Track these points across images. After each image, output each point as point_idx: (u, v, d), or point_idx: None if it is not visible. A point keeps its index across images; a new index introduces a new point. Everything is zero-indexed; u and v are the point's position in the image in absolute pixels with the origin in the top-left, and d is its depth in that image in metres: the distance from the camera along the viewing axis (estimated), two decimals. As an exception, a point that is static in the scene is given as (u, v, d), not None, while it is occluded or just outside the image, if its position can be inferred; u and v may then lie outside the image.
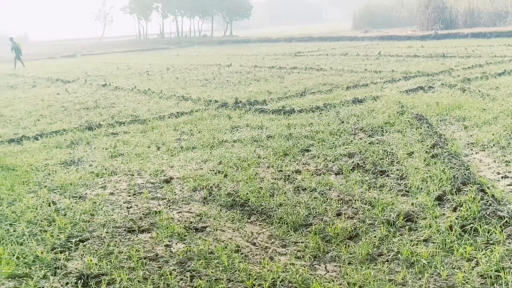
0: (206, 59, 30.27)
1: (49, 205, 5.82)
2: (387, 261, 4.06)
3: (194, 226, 4.99)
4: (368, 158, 6.87)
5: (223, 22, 75.51)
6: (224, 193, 5.84)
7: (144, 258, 4.33)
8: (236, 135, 8.85)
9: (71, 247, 4.66)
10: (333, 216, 4.99)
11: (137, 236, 4.85)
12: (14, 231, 5.07)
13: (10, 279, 3.98)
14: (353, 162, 6.70)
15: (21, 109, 13.77)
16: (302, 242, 4.48)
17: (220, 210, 5.42)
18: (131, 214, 5.47)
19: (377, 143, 7.61)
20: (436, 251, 4.10)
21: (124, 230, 5.02)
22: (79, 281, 3.99)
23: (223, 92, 14.74)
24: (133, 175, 6.94)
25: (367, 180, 6.00)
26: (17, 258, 4.41)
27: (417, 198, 5.28)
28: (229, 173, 6.62)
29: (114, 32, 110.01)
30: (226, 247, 4.43)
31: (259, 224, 4.98)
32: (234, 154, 7.59)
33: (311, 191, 5.79)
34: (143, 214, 5.45)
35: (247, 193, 5.77)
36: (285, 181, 6.21)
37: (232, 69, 22.13)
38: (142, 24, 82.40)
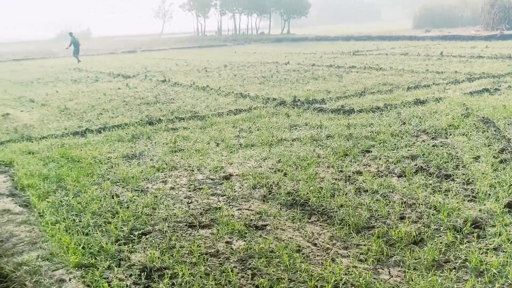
0: (263, 57, 30.32)
1: (112, 198, 5.96)
2: (454, 268, 3.93)
3: (254, 224, 4.99)
4: (431, 161, 6.69)
5: (280, 20, 75.50)
6: (284, 192, 5.82)
7: (205, 254, 4.36)
8: (295, 134, 8.81)
9: (134, 239, 4.75)
10: (396, 220, 4.89)
11: (198, 232, 4.89)
12: (80, 221, 5.22)
13: (77, 268, 4.09)
14: (416, 165, 6.55)
15: (84, 102, 14.17)
16: (364, 245, 4.41)
17: (280, 208, 5.40)
18: (192, 209, 5.53)
19: (441, 146, 7.40)
20: (507, 261, 3.95)
21: (185, 225, 5.07)
22: (143, 273, 4.06)
23: (281, 90, 14.72)
24: (193, 170, 7.01)
25: (431, 184, 5.84)
26: (83, 248, 4.53)
27: (485, 205, 5.10)
28: (288, 172, 6.60)
29: (173, 28, 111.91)
30: (287, 246, 4.41)
31: (320, 225, 4.93)
32: (293, 152, 7.55)
33: (372, 193, 5.69)
34: (203, 209, 5.49)
35: (307, 193, 5.72)
36: (345, 182, 6.13)
37: (290, 67, 22.07)
38: (200, 21, 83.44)
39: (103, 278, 3.99)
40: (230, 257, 4.30)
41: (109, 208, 5.59)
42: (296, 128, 9.29)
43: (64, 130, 10.22)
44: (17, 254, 4.09)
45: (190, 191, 6.16)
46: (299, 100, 12.33)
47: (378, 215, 5.04)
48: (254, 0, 72.40)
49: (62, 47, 54.47)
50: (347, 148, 7.62)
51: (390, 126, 8.89)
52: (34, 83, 20.96)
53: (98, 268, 4.14)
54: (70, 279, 3.70)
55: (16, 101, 15.18)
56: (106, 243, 4.60)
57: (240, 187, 6.20)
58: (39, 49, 59.14)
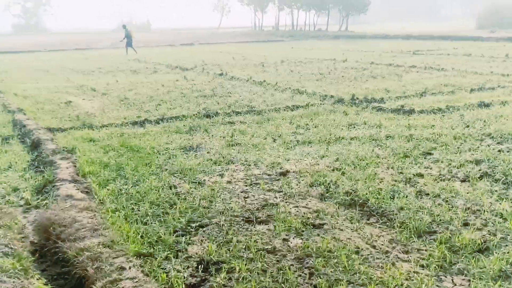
0: (320, 53, 30.08)
1: (170, 188, 6.02)
2: (522, 280, 3.76)
3: (311, 222, 4.93)
4: (497, 166, 6.44)
5: (338, 17, 74.73)
6: (342, 191, 5.73)
7: (262, 250, 4.34)
8: (353, 132, 8.68)
9: (191, 231, 4.78)
10: (460, 226, 4.72)
11: (254, 227, 4.87)
12: (139, 210, 5.30)
13: (136, 257, 4.15)
14: (480, 170, 6.32)
15: (143, 93, 14.42)
16: (426, 250, 4.27)
17: (338, 208, 5.32)
18: (248, 204, 5.52)
19: (507, 152, 7.12)
20: None
21: (242, 219, 5.07)
22: (200, 266, 4.07)
23: (338, 87, 14.55)
24: (249, 165, 7.01)
25: (496, 191, 5.62)
26: (141, 237, 4.59)
27: (556, 215, 4.87)
28: (346, 171, 6.50)
29: (230, 22, 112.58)
30: (345, 247, 4.33)
31: (379, 227, 4.82)
32: (351, 151, 7.44)
33: (434, 197, 5.53)
34: (260, 205, 5.47)
35: (366, 193, 5.62)
36: (405, 184, 5.98)
37: (348, 65, 21.80)
38: (258, 16, 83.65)
39: (161, 268, 4.03)
40: (287, 254, 4.26)
41: (167, 199, 5.65)
42: (354, 127, 9.15)
43: (124, 119, 10.42)
44: (80, 240, 4.18)
45: (246, 186, 6.15)
46: (357, 98, 12.15)
47: (440, 220, 4.88)
48: (313, -4, 72.03)
49: (121, 37, 55.77)
50: (407, 149, 7.44)
51: (453, 129, 8.62)
52: (95, 72, 21.51)
53: (156, 258, 4.18)
54: (130, 268, 3.75)
55: (78, 89, 15.61)
56: (164, 234, 4.65)
57: (297, 184, 6.15)
58: (100, 39, 60.63)
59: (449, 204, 5.29)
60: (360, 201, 5.43)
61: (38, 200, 5.76)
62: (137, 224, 4.91)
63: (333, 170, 6.62)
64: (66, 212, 4.84)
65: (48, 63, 27.19)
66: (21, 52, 39.60)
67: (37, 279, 3.74)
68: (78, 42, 52.69)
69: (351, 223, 4.92)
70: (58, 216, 4.73)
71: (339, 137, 8.40)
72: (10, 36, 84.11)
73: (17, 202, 5.75)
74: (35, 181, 6.45)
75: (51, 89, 15.75)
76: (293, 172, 6.64)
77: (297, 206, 5.42)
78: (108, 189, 5.97)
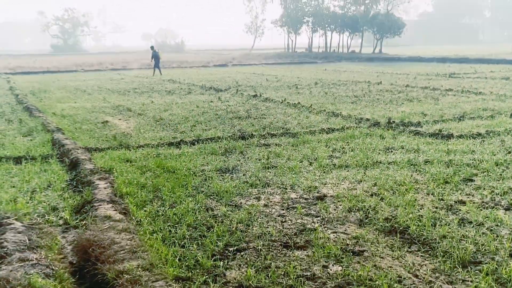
0: (354, 76, 29.98)
1: (207, 211, 6.02)
2: None
3: (351, 249, 4.85)
4: (543, 195, 6.26)
5: (372, 39, 74.53)
6: (382, 218, 5.63)
7: (301, 277, 4.27)
8: (390, 157, 8.56)
9: (229, 255, 4.75)
10: (507, 257, 4.57)
11: (293, 252, 4.82)
12: (176, 233, 5.30)
13: (175, 280, 4.13)
14: (525, 198, 6.14)
15: (178, 114, 14.55)
16: (471, 281, 4.15)
17: (378, 235, 5.22)
18: (286, 228, 5.47)
19: (552, 179, 6.92)
20: None
21: (280, 244, 5.02)
22: (238, 291, 4.03)
23: (374, 110, 14.44)
24: (286, 188, 6.97)
25: (543, 220, 5.44)
26: (179, 260, 4.58)
27: None
28: (385, 197, 6.39)
29: (264, 43, 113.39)
30: (386, 275, 4.23)
31: (421, 255, 4.71)
32: (389, 176, 7.33)
33: (478, 225, 5.38)
34: (297, 230, 5.42)
35: (406, 220, 5.51)
36: (447, 211, 5.84)
37: (382, 87, 21.65)
38: (291, 38, 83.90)
39: (199, 292, 4.01)
40: (327, 282, 4.19)
41: (204, 222, 5.64)
42: (391, 151, 9.03)
43: (160, 140, 10.52)
44: (119, 262, 4.19)
45: (283, 210, 6.11)
46: (393, 121, 12.03)
47: (485, 249, 4.74)
48: (348, 18, 71.99)
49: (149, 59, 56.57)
50: (447, 175, 7.30)
51: (494, 155, 8.44)
52: (130, 92, 21.84)
53: (195, 282, 4.16)
54: (169, 292, 3.73)
55: (114, 109, 15.86)
56: (202, 257, 4.63)
57: (334, 209, 6.07)
58: (135, 58, 61.58)
59: (493, 233, 5.14)
60: (401, 228, 5.33)
61: (77, 220, 5.82)
62: (174, 246, 4.91)
63: (371, 195, 6.53)
64: (104, 233, 4.86)
65: (85, 83, 27.75)
66: (60, 72, 40.55)
67: (78, 302, 3.75)
68: (113, 62, 53.64)
69: (392, 250, 4.82)
70: (97, 237, 4.75)
71: (376, 161, 8.29)
72: (49, 56, 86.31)
73: (56, 222, 5.83)
74: (74, 201, 6.53)
75: (88, 109, 16.04)
76: (331, 196, 6.57)
77: (335, 232, 5.35)
78: (145, 210, 6.00)
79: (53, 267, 4.05)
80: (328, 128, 11.45)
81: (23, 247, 4.33)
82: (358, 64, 46.63)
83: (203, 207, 6.14)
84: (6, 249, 4.23)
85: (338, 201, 6.34)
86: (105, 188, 6.67)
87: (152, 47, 36.22)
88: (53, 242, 4.80)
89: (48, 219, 5.87)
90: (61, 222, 5.86)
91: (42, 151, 9.49)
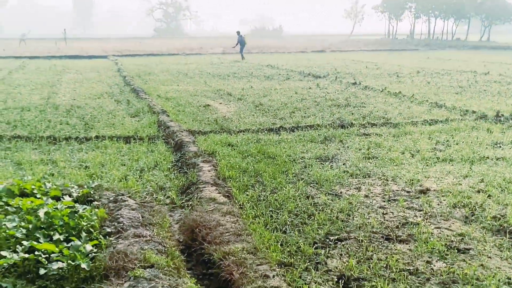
0: (459, 65, 28.77)
1: (307, 198, 6.09)
2: None
3: (455, 246, 4.74)
4: None
5: (480, 26, 71.02)
6: (490, 216, 5.44)
7: (404, 271, 4.24)
8: (499, 152, 8.21)
9: (330, 244, 4.80)
10: None
11: (394, 246, 4.78)
12: (278, 218, 5.41)
13: (278, 265, 4.25)
14: None
15: (277, 100, 14.69)
16: None
17: (485, 233, 5.06)
18: (387, 221, 5.43)
19: None
20: None
21: (381, 236, 5.00)
22: (340, 280, 4.07)
23: (480, 102, 13.84)
24: (387, 180, 6.89)
25: None
26: (281, 245, 4.69)
27: None
28: (493, 194, 6.16)
29: (363, 29, 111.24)
30: (495, 276, 4.11)
31: (532, 258, 4.52)
32: (498, 173, 7.04)
33: None
34: (399, 223, 5.36)
35: (516, 220, 5.29)
36: (561, 213, 5.54)
37: (490, 78, 20.63)
38: (392, 24, 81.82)
39: (301, 279, 4.09)
40: (430, 278, 4.13)
41: (304, 209, 5.72)
42: (500, 146, 8.65)
43: (259, 125, 10.70)
44: (224, 244, 4.37)
45: (384, 202, 6.06)
46: (502, 115, 11.47)
47: None
48: (453, 4, 68.89)
49: (253, 44, 57.29)
50: (562, 174, 6.90)
51: None
52: (230, 77, 22.28)
53: (297, 268, 4.25)
54: (273, 276, 3.85)
55: (215, 93, 16.27)
56: (303, 244, 4.71)
57: (438, 204, 5.94)
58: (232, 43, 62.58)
59: None
60: (510, 228, 5.12)
61: (183, 201, 6.10)
62: (276, 232, 5.03)
63: (478, 191, 6.31)
64: (210, 215, 5.07)
65: (187, 66, 28.64)
66: (162, 55, 42.08)
67: (189, 279, 3.96)
68: (213, 47, 54.87)
69: (500, 251, 4.66)
70: (203, 218, 4.97)
71: (483, 156, 7.98)
72: (153, 39, 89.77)
73: (163, 201, 6.14)
74: (179, 182, 6.84)
75: (190, 92, 16.57)
76: (434, 190, 6.42)
77: (439, 227, 5.24)
78: (247, 195, 6.17)
79: (164, 244, 4.30)
80: (431, 120, 11.12)
81: (137, 224, 4.62)
82: (463, 53, 44.67)
83: (303, 195, 6.22)
84: (122, 224, 4.54)
85: (442, 196, 6.19)
86: (209, 171, 6.92)
87: (238, 32, 36.48)
88: (163, 221, 5.08)
89: (156, 197, 6.20)
90: (168, 201, 6.17)
91: (148, 132, 9.97)
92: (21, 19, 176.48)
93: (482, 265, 4.35)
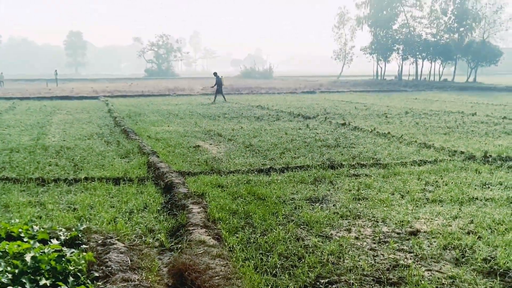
0: (446, 105, 29.13)
1: (297, 240, 6.06)
2: None
3: (446, 289, 4.71)
4: None
5: (466, 67, 72.21)
6: (480, 258, 5.43)
7: (395, 315, 4.20)
8: (488, 193, 8.25)
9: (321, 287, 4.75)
10: None
11: (385, 289, 4.75)
12: (268, 261, 5.37)
13: (268, 310, 4.20)
14: None
15: (267, 140, 14.74)
16: None
17: (476, 276, 5.04)
18: (378, 263, 5.40)
19: None
20: None
21: (372, 279, 4.96)
22: (331, 325, 4.02)
23: (468, 143, 13.96)
24: (377, 221, 6.88)
25: None
26: (271, 289, 4.65)
27: None
28: (483, 235, 6.16)
29: (351, 70, 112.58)
30: (486, 320, 4.08)
31: (523, 301, 4.50)
32: (487, 214, 7.06)
33: None
34: (390, 265, 5.33)
35: (506, 262, 5.28)
36: (552, 255, 5.55)
37: (477, 119, 20.88)
38: (380, 65, 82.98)
39: (292, 324, 4.04)
40: (422, 322, 4.09)
41: (294, 251, 5.68)
42: (488, 187, 8.70)
43: (250, 166, 10.70)
44: None
45: (375, 243, 6.04)
46: (490, 155, 11.57)
47: None
48: (440, 46, 70.16)
49: (243, 84, 57.76)
50: (551, 215, 6.93)
51: None
52: (220, 117, 22.38)
53: (287, 313, 4.20)
54: (263, 321, 3.79)
55: (205, 134, 16.32)
56: (294, 288, 4.67)
57: (428, 246, 5.93)
58: (228, 83, 63.08)
59: None
60: (501, 270, 5.12)
61: (172, 243, 6.05)
62: (267, 275, 4.98)
63: (467, 233, 6.32)
64: (200, 258, 5.03)
65: (177, 107, 28.78)
66: (153, 95, 42.29)
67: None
68: (204, 87, 55.25)
69: (492, 293, 4.64)
70: (193, 261, 4.92)
71: (473, 197, 8.02)
72: (144, 80, 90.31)
73: (152, 244, 6.08)
74: (169, 224, 6.79)
75: (181, 132, 16.62)
76: (424, 232, 6.42)
77: (430, 270, 5.22)
78: (237, 237, 6.14)
79: (153, 289, 4.24)
80: (420, 160, 11.19)
81: (125, 267, 4.57)
82: (450, 94, 45.25)
83: (293, 237, 6.19)
84: (110, 268, 4.48)
85: (432, 238, 6.19)
86: (198, 213, 6.89)
87: (215, 74, 36.70)
88: (152, 264, 5.03)
89: (145, 240, 6.14)
90: (157, 244, 6.11)
91: (138, 173, 9.94)
92: (12, 58, 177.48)
93: (473, 308, 4.32)
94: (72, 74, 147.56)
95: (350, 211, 7.32)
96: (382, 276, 5.01)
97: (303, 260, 5.41)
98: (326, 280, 4.91)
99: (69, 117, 22.37)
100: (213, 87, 37.49)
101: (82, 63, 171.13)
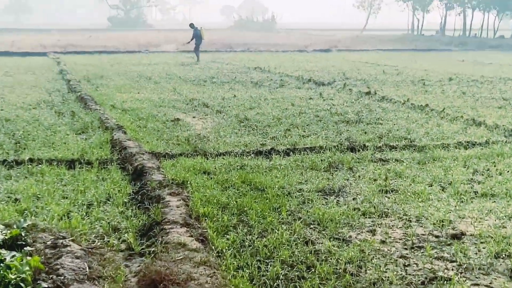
0: (503, 70, 29.20)
1: (306, 244, 6.11)
2: None
3: (498, 309, 4.77)
4: None
5: (529, 20, 72.22)
6: (543, 270, 5.49)
7: None
8: (555, 186, 8.31)
9: (336, 306, 4.80)
10: None
11: (419, 308, 4.80)
12: (267, 271, 5.41)
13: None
14: None
15: (268, 113, 14.76)
16: None
17: (536, 292, 5.10)
18: (410, 275, 5.45)
19: None
20: None
21: (402, 296, 5.02)
22: None
23: (531, 119, 14.04)
24: (410, 221, 6.93)
25: None
26: (272, 307, 4.69)
27: None
28: (548, 241, 6.22)
29: (379, 23, 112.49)
30: None
31: None
32: (554, 213, 7.12)
33: None
34: (426, 278, 5.39)
35: None
36: None
37: (543, 88, 20.95)
38: (418, 16, 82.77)
39: None
40: None
41: (302, 259, 5.73)
42: (555, 178, 8.77)
43: (245, 147, 10.74)
44: (198, 305, 4.36)
45: (406, 249, 6.09)
46: (559, 137, 11.64)
47: None
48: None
49: (240, 38, 57.61)
50: None
51: None
52: (207, 82, 22.40)
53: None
54: None
55: (188, 104, 16.34)
56: (301, 306, 4.72)
57: (476, 253, 5.98)
58: (212, 37, 62.92)
59: None
60: None
61: (143, 246, 6.08)
62: (266, 289, 5.03)
63: (527, 237, 6.38)
64: (179, 265, 5.06)
65: (151, 68, 28.79)
66: (119, 52, 42.24)
67: None
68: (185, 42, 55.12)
69: (556, 316, 4.69)
70: (169, 270, 4.95)
71: (534, 190, 8.08)
72: (107, 31, 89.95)
73: (117, 246, 6.11)
74: (139, 221, 6.82)
75: (155, 102, 16.64)
76: (470, 235, 6.48)
77: (477, 284, 5.28)
78: (228, 239, 6.18)
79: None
80: (467, 142, 11.24)
81: (82, 277, 4.60)
82: (508, 55, 45.29)
83: (301, 239, 6.23)
84: (63, 277, 4.51)
85: (481, 243, 6.24)
86: (177, 207, 6.92)
87: (192, 25, 35.89)
88: (117, 273, 5.06)
89: (108, 242, 6.17)
90: (123, 246, 6.14)
91: (99, 154, 9.95)
92: None
93: (532, 334, 4.37)
94: (12, 22, 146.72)
95: (374, 207, 7.36)
96: (415, 292, 5.06)
97: (313, 270, 5.46)
98: (347, 296, 4.96)
99: (8, 79, 22.36)
100: (189, 43, 36.88)
101: (25, 8, 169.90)
